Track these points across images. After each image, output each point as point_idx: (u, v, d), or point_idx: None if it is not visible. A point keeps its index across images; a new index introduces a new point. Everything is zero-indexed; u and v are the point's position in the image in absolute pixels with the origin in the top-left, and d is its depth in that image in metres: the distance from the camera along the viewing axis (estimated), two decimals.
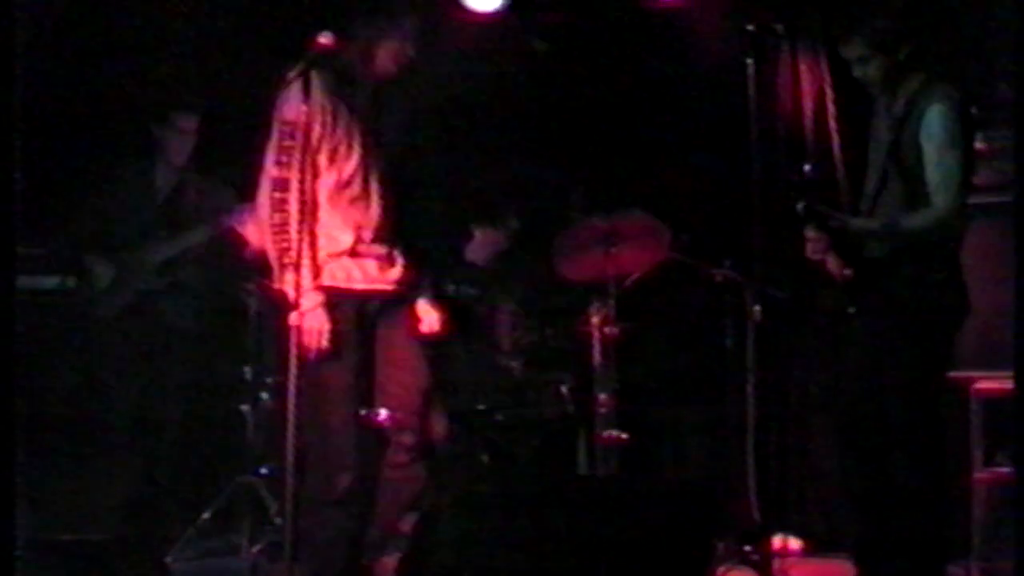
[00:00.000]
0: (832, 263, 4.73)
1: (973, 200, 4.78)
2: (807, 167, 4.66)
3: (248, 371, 6.18)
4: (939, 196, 4.56)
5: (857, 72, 4.72)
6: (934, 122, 4.57)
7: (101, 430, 5.98)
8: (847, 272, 4.65)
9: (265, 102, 4.52)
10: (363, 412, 4.65)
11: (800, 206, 4.58)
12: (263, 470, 6.01)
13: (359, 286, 4.66)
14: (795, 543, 5.80)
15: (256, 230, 4.98)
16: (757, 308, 5.04)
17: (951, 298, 4.63)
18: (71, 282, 6.20)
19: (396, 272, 4.74)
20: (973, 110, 4.73)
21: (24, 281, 5.48)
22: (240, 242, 5.91)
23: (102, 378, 6.09)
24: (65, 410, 6.00)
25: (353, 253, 4.65)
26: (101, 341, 6.11)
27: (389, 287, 4.73)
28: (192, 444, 6.34)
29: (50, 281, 6.24)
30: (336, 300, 4.57)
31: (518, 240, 6.78)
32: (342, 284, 4.62)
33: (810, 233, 4.68)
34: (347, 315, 4.61)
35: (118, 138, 6.49)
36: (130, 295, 6.09)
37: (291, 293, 4.35)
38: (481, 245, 6.75)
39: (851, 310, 4.68)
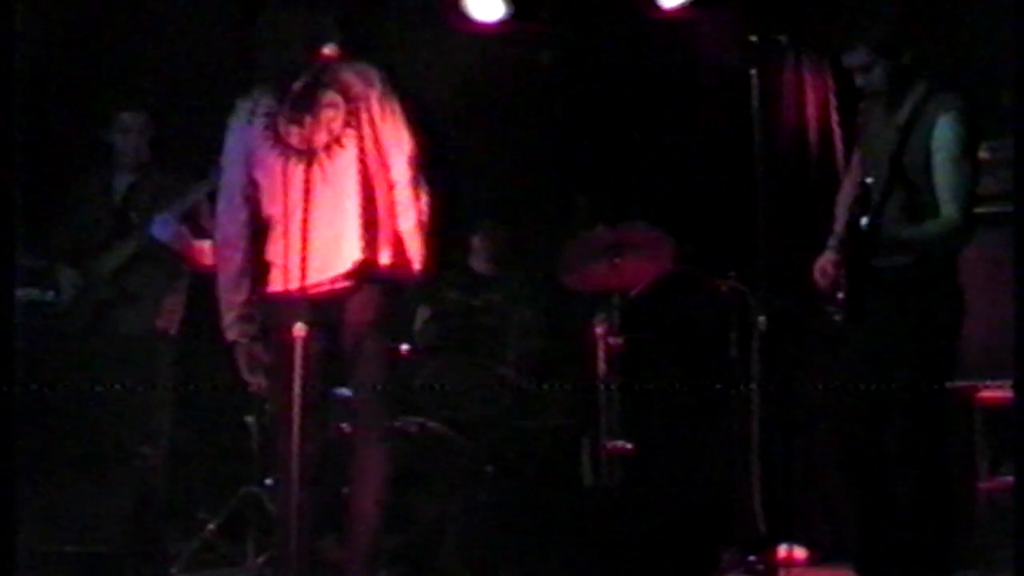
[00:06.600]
0: (824, 281, 4.70)
1: (977, 210, 4.76)
2: (869, 180, 4.55)
3: None
4: (950, 205, 4.51)
5: (860, 81, 4.67)
6: (946, 131, 4.50)
7: (98, 442, 5.90)
8: (840, 297, 4.61)
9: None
10: None
11: (864, 221, 4.48)
12: (268, 481, 6.01)
13: None
14: (800, 553, 5.80)
15: None
16: (762, 319, 5.01)
17: (949, 306, 4.62)
18: (49, 295, 5.95)
19: None
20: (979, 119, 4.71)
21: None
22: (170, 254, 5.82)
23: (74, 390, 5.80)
24: (63, 421, 5.91)
25: None
26: (71, 353, 5.87)
27: None
28: (190, 455, 6.33)
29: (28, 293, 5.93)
30: None
31: (522, 249, 6.77)
32: None
33: (830, 259, 4.64)
34: None
35: (78, 143, 6.34)
36: (92, 306, 5.86)
37: None
38: (483, 253, 6.74)
39: (837, 318, 4.65)
